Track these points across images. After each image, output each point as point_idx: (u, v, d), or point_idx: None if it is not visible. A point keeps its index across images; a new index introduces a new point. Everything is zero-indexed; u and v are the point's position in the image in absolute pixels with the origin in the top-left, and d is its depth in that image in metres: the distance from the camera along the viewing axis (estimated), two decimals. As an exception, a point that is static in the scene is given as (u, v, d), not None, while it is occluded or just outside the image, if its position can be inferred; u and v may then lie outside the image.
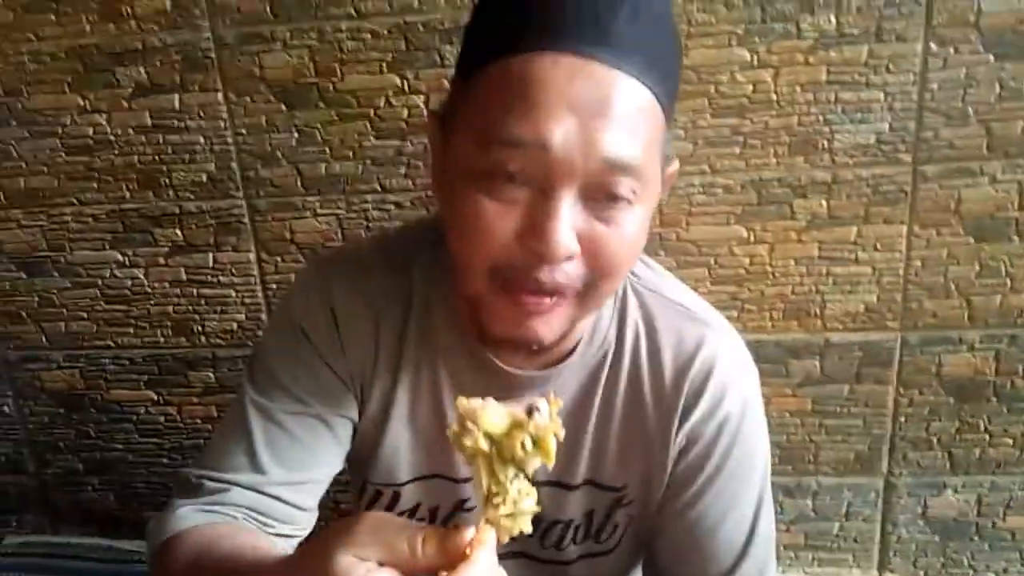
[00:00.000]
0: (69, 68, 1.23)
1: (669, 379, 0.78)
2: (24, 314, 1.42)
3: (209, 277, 1.34)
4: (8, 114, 1.27)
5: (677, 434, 0.79)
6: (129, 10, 1.18)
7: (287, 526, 0.77)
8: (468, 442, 0.49)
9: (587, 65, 0.59)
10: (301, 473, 0.77)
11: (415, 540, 0.48)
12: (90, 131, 1.27)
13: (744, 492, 0.81)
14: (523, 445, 0.49)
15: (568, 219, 0.60)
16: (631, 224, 0.63)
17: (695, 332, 0.79)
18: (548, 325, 0.66)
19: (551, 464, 0.49)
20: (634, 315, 0.79)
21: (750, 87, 1.11)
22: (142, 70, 1.21)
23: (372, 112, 1.19)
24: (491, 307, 0.67)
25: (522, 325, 0.66)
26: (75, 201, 1.32)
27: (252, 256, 1.31)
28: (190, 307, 1.37)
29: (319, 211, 1.26)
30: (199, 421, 1.46)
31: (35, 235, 1.36)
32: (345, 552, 0.48)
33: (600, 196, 0.61)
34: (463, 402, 0.51)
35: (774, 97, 1.11)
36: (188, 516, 0.74)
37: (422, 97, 1.17)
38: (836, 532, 1.34)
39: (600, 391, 0.80)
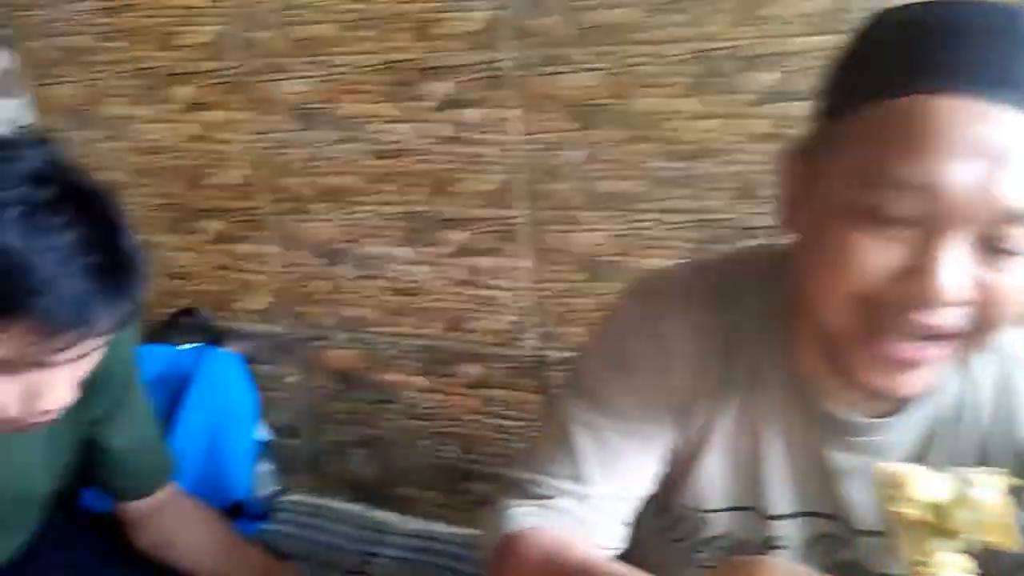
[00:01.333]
0: (380, 80, 1.37)
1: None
2: (318, 297, 1.59)
3: (485, 279, 1.45)
4: (325, 119, 1.43)
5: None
6: (442, 30, 1.29)
7: (605, 539, 0.80)
8: (902, 509, 0.49)
9: (990, 108, 0.56)
10: (622, 488, 0.80)
11: None
12: (394, 139, 1.40)
13: None
14: (963, 519, 0.49)
15: (957, 261, 0.58)
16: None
17: None
18: (919, 378, 0.63)
19: (1016, 547, 0.49)
20: (990, 374, 0.75)
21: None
22: (448, 85, 1.32)
23: (662, 134, 1.22)
24: (855, 353, 0.64)
25: (890, 377, 0.63)
26: (373, 200, 1.47)
27: (529, 263, 1.40)
28: (465, 305, 1.49)
29: (598, 226, 1.32)
30: (463, 410, 1.58)
31: (336, 228, 1.52)
32: None
33: (993, 245, 0.58)
34: (884, 468, 0.51)
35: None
36: (523, 516, 0.77)
37: (717, 122, 1.19)
38: None
39: (937, 444, 0.75)
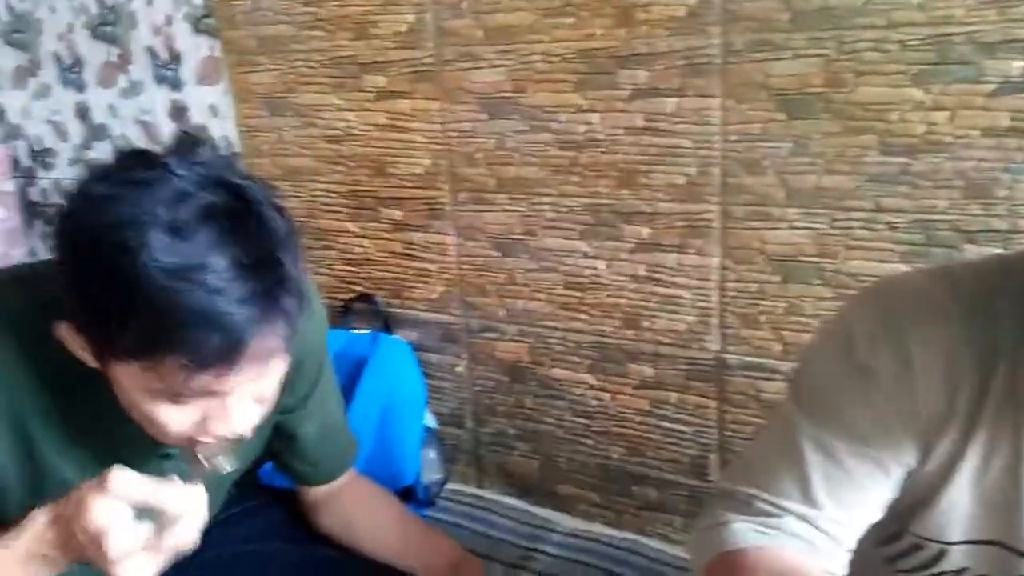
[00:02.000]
0: (573, 69, 1.32)
1: None
2: (491, 288, 1.56)
3: (666, 276, 1.37)
4: (512, 108, 1.40)
5: None
6: (643, 16, 1.23)
7: (832, 563, 0.74)
8: None
9: None
10: (852, 512, 0.74)
11: None
12: (582, 128, 1.35)
13: None
14: None
15: None
16: None
17: None
18: None
19: None
20: None
21: None
22: (644, 73, 1.26)
23: (881, 126, 1.12)
24: None
25: None
26: (555, 192, 1.42)
27: (716, 261, 1.32)
28: (642, 302, 1.42)
29: (797, 224, 1.23)
30: (630, 411, 1.51)
31: (514, 219, 1.48)
32: None
33: None
34: None
35: None
36: (747, 533, 0.73)
37: (946, 114, 1.07)
38: None
39: None
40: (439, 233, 1.57)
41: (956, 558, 0.76)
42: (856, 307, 0.78)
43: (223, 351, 0.64)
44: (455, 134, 1.48)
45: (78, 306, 0.67)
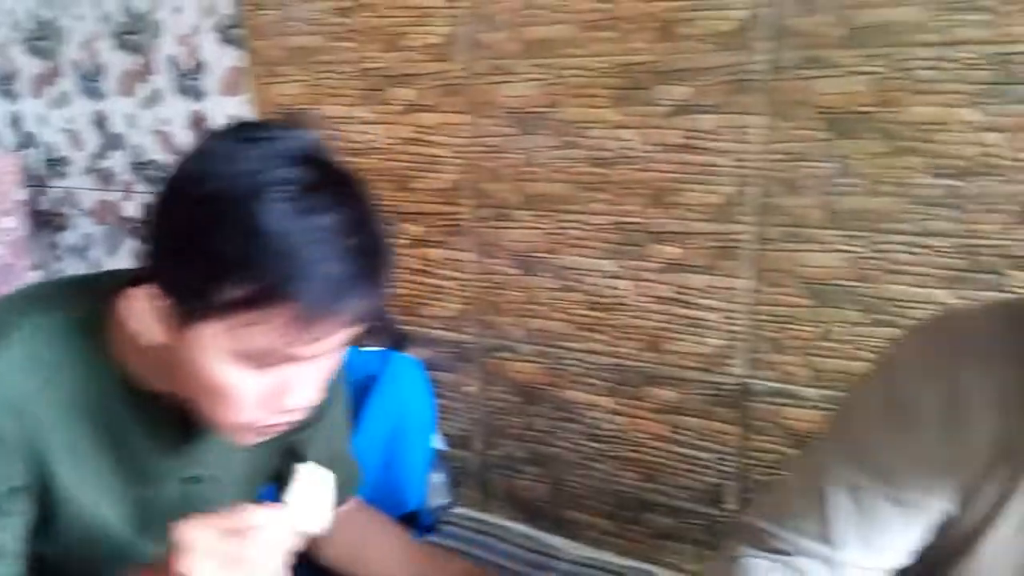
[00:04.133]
0: (611, 84, 1.23)
1: None
2: (509, 307, 1.45)
3: (694, 298, 1.27)
4: (543, 123, 1.30)
5: None
6: (687, 31, 1.14)
7: None
8: None
9: None
10: (874, 555, 0.66)
11: None
12: (615, 145, 1.25)
13: None
14: None
15: None
16: None
17: None
18: None
19: None
20: None
21: None
22: (684, 89, 1.17)
23: (932, 147, 1.03)
24: None
25: None
26: (582, 210, 1.32)
27: (748, 284, 1.21)
28: (666, 324, 1.31)
29: (836, 247, 1.13)
30: (647, 436, 1.39)
31: (538, 236, 1.37)
32: None
33: None
34: None
35: None
36: (759, 569, 0.67)
37: (1003, 136, 0.99)
38: None
39: None
40: (458, 249, 1.46)
41: None
42: (907, 339, 0.70)
43: (331, 301, 0.62)
44: (482, 149, 1.37)
45: (177, 262, 0.64)
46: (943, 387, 0.64)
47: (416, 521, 1.46)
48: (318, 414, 0.91)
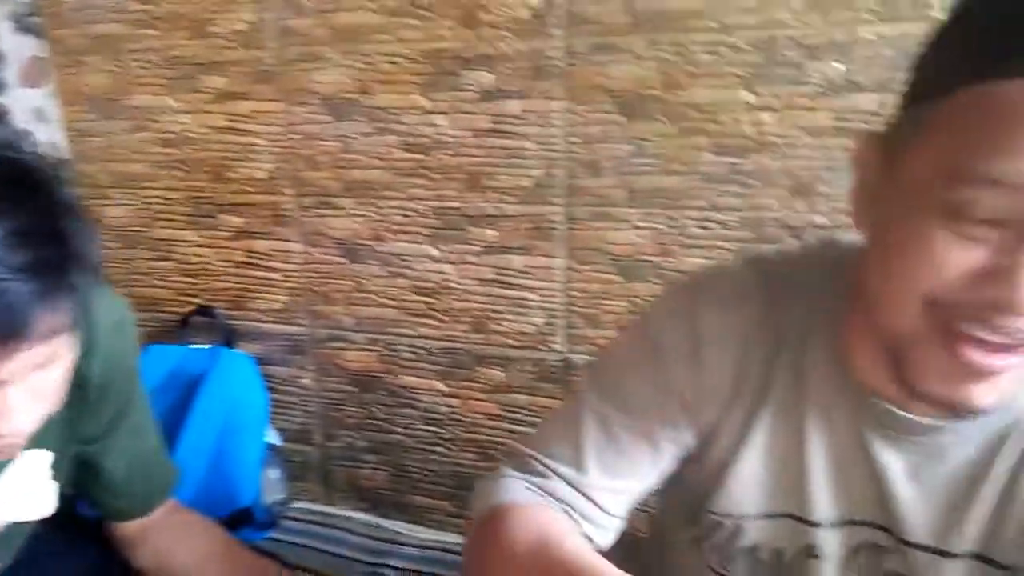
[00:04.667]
0: (420, 71, 1.23)
1: None
2: (338, 296, 1.43)
3: (514, 279, 1.30)
4: (356, 110, 1.29)
5: None
6: (488, 17, 1.16)
7: (594, 527, 0.71)
8: None
9: None
10: (617, 481, 0.71)
11: None
12: (428, 131, 1.26)
13: None
14: None
15: None
16: None
17: None
18: (992, 390, 0.54)
19: None
20: None
21: None
22: (489, 75, 1.19)
23: (714, 127, 1.09)
24: (923, 358, 0.54)
25: (960, 387, 0.54)
26: (402, 195, 1.32)
27: (561, 263, 1.25)
28: (490, 306, 1.33)
29: (638, 224, 1.18)
30: (481, 416, 1.41)
31: (361, 224, 1.36)
32: None
33: None
34: None
35: None
36: (517, 489, 0.70)
37: (774, 115, 1.06)
38: None
39: (1005, 456, 0.64)
40: (283, 240, 1.43)
41: (753, 533, 0.73)
42: (665, 291, 0.75)
43: (4, 328, 0.54)
44: (298, 136, 1.35)
45: None
46: (685, 327, 0.68)
47: (250, 518, 1.42)
48: (110, 425, 0.87)
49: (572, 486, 0.71)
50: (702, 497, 0.74)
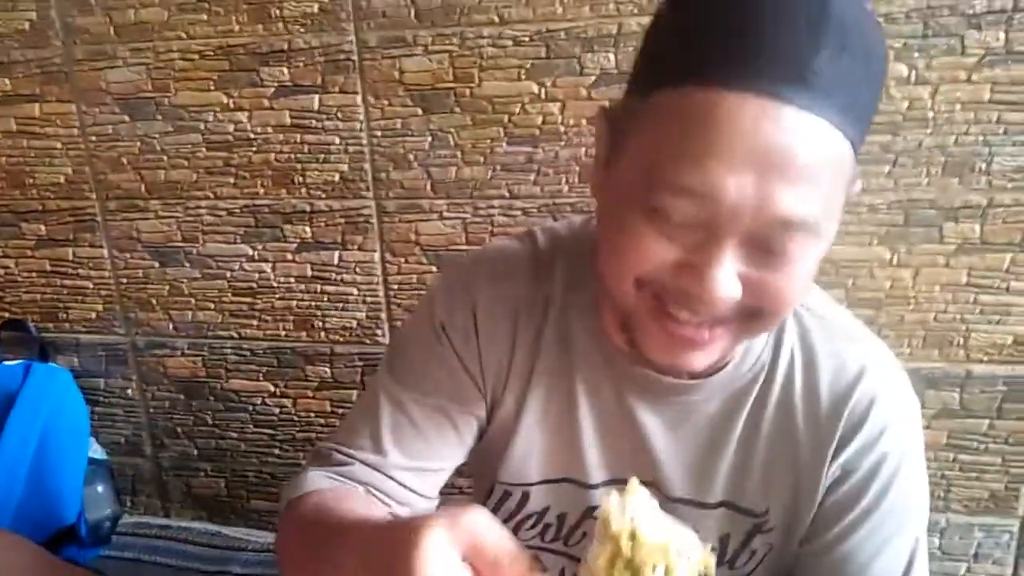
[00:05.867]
0: (216, 67, 1.21)
1: (826, 406, 0.70)
2: (155, 302, 1.40)
3: (333, 274, 1.30)
4: (155, 109, 1.26)
5: (831, 464, 0.70)
6: (278, 12, 1.15)
7: (404, 508, 0.73)
8: (613, 530, 0.47)
9: (776, 109, 0.49)
10: (418, 461, 0.74)
11: (504, 554, 0.45)
12: (231, 128, 1.24)
13: (899, 536, 0.71)
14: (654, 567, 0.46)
15: (731, 265, 0.54)
16: (801, 267, 0.56)
17: (857, 360, 0.70)
18: (702, 357, 0.61)
19: None
20: (792, 337, 0.71)
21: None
22: (285, 70, 1.18)
23: (506, 118, 1.13)
24: (643, 328, 0.61)
25: (676, 354, 0.61)
26: (211, 195, 1.29)
27: (377, 256, 1.26)
28: (312, 303, 1.33)
29: (446, 214, 1.21)
30: (313, 415, 1.41)
31: (171, 226, 1.33)
32: (439, 532, 0.44)
33: (769, 247, 0.54)
34: (616, 500, 0.48)
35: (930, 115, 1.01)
36: (316, 480, 0.71)
37: (558, 105, 1.10)
38: (963, 574, 1.21)
39: (747, 410, 0.72)
40: (91, 246, 1.38)
41: (538, 499, 0.77)
42: (444, 273, 0.80)
43: None
44: (96, 138, 1.30)
45: None
46: (466, 309, 0.72)
47: (75, 536, 1.38)
48: None
49: (375, 469, 0.72)
50: (492, 469, 0.78)
